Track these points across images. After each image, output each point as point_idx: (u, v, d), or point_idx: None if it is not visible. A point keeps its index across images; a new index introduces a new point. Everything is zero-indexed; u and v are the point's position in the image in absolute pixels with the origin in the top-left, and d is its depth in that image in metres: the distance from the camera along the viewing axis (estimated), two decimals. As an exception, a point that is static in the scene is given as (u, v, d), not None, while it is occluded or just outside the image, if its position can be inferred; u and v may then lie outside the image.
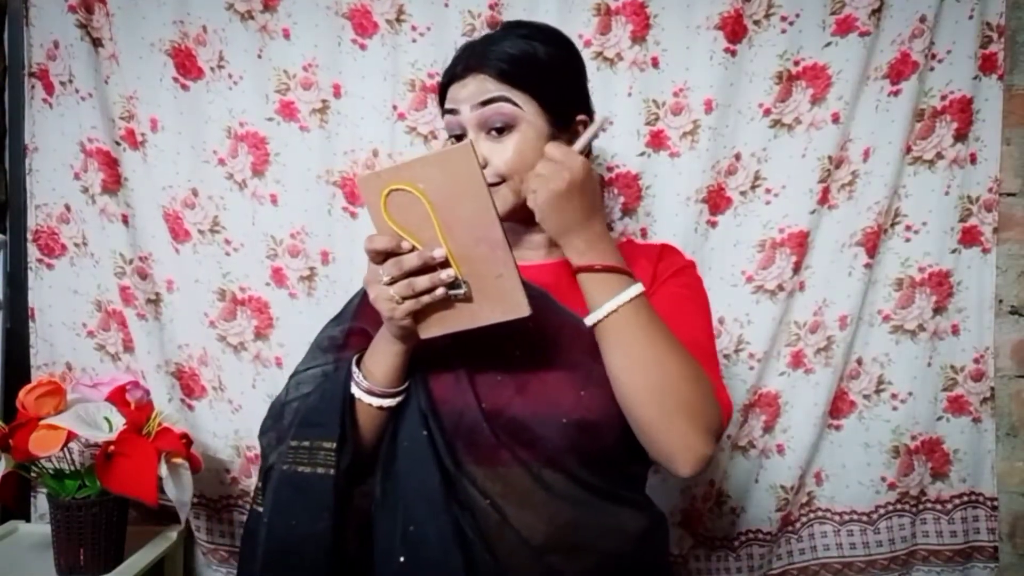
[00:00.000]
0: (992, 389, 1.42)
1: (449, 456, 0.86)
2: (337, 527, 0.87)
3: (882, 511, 1.45)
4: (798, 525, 1.47)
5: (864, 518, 1.45)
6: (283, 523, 0.88)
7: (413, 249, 0.77)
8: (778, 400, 1.43)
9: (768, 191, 1.39)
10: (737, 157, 1.38)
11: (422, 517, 0.85)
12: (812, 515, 1.47)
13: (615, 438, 0.85)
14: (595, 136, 0.89)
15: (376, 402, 0.88)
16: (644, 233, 1.39)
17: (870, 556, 1.45)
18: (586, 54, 1.35)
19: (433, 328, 0.82)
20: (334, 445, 0.87)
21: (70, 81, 1.42)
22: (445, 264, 0.77)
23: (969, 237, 1.41)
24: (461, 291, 0.78)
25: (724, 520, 1.46)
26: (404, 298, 0.78)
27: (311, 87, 1.40)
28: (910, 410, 1.43)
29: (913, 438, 1.43)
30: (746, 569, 1.45)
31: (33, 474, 1.29)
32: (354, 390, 0.89)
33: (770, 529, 1.44)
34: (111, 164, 1.43)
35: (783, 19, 1.35)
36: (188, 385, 1.48)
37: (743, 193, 1.39)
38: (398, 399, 0.89)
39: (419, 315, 0.81)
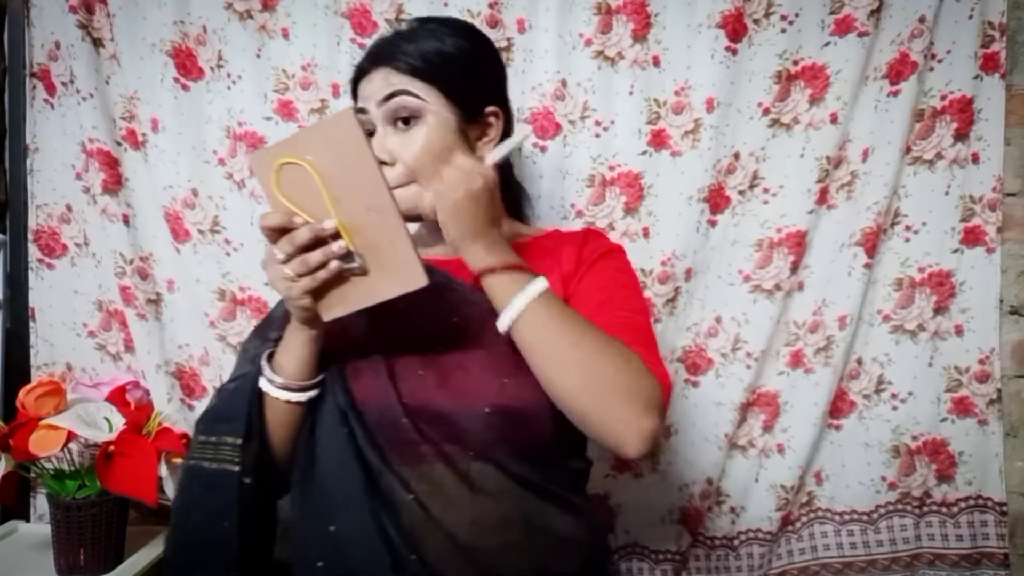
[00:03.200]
0: (999, 391, 1.41)
1: (372, 454, 0.84)
2: (244, 527, 0.85)
3: (882, 511, 1.44)
4: (798, 525, 1.46)
5: (864, 518, 1.44)
6: (190, 519, 0.87)
7: (306, 225, 0.76)
8: (777, 400, 1.43)
9: (766, 190, 1.39)
10: (736, 156, 1.38)
11: (345, 518, 0.83)
12: (812, 515, 1.46)
13: (545, 427, 0.84)
14: (514, 148, 0.87)
15: (285, 396, 0.86)
16: (646, 232, 1.39)
17: (870, 556, 1.44)
18: (587, 53, 1.35)
19: (335, 308, 0.80)
20: (239, 441, 0.85)
21: (71, 81, 1.43)
22: (338, 237, 0.76)
23: (972, 237, 1.40)
24: (355, 264, 0.77)
25: (724, 520, 1.45)
26: (299, 275, 0.77)
27: (310, 87, 1.40)
28: (910, 410, 1.42)
29: (914, 438, 1.43)
30: (746, 569, 1.45)
31: (33, 474, 1.29)
32: (262, 384, 0.87)
33: (770, 529, 1.44)
34: (112, 164, 1.43)
35: (783, 18, 1.35)
36: (189, 385, 1.48)
37: (741, 192, 1.39)
38: (310, 394, 0.87)
39: (319, 295, 0.79)
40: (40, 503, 1.51)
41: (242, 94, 1.41)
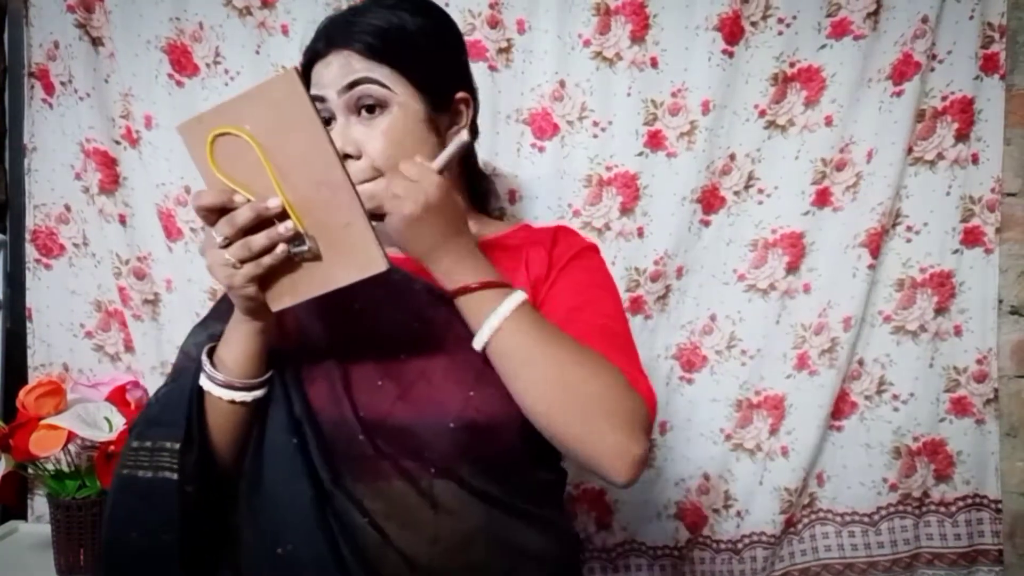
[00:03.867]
0: (996, 391, 1.41)
1: (324, 468, 0.77)
2: (185, 541, 0.76)
3: (883, 512, 1.44)
4: (800, 526, 1.46)
5: (865, 519, 1.45)
6: (121, 535, 0.78)
7: (248, 203, 0.68)
8: (783, 403, 1.43)
9: (761, 191, 1.39)
10: (731, 157, 1.38)
11: (294, 537, 0.76)
12: (813, 516, 1.46)
13: (512, 440, 0.78)
14: (456, 154, 0.80)
15: (228, 395, 0.77)
16: (640, 232, 1.39)
17: (871, 557, 1.45)
18: (585, 54, 1.35)
19: (285, 297, 0.72)
20: (177, 445, 0.76)
21: (70, 81, 1.43)
22: (285, 217, 0.68)
23: (971, 238, 1.40)
24: (305, 247, 0.68)
25: (730, 523, 1.45)
26: (242, 261, 0.68)
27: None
28: (911, 411, 1.42)
29: (915, 439, 1.43)
30: (749, 572, 1.45)
31: (31, 473, 1.29)
32: (203, 382, 0.78)
33: (774, 532, 1.44)
34: (108, 164, 1.43)
35: (780, 21, 1.35)
36: (186, 387, 1.47)
37: (736, 193, 1.39)
38: (255, 393, 0.79)
39: (266, 283, 0.71)
40: (38, 503, 1.51)
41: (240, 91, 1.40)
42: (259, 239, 0.68)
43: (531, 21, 1.36)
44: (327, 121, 0.81)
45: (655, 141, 1.38)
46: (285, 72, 0.65)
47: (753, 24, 1.35)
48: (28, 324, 1.52)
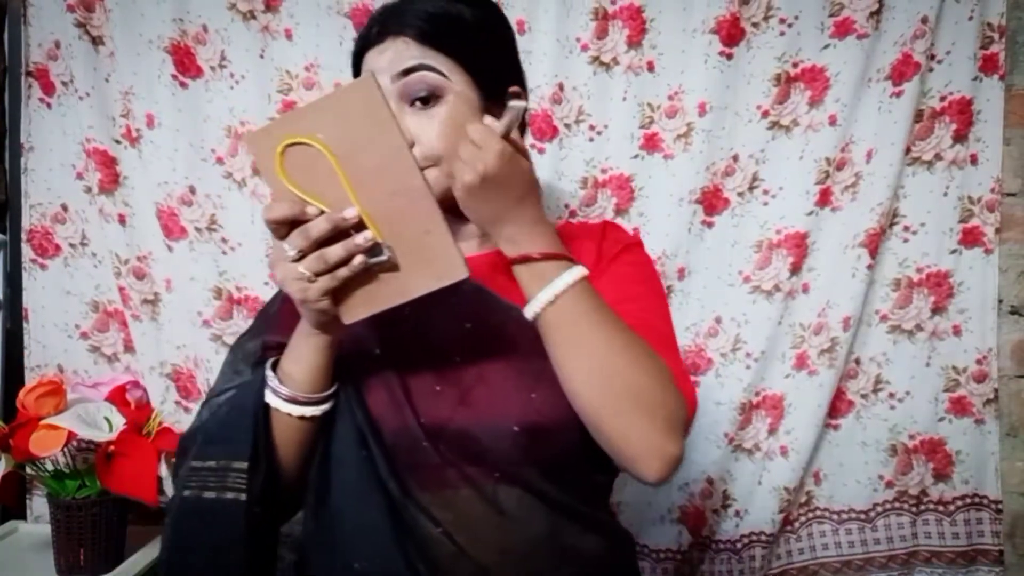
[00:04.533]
0: (995, 391, 1.42)
1: (392, 479, 0.75)
2: (251, 564, 0.75)
3: (880, 509, 1.45)
4: (797, 525, 1.47)
5: (862, 516, 1.45)
6: (185, 559, 0.76)
7: (322, 214, 0.65)
8: (783, 402, 1.43)
9: (766, 192, 1.39)
10: (735, 159, 1.38)
11: (368, 552, 0.74)
12: (811, 515, 1.47)
13: (574, 442, 0.75)
14: (516, 119, 0.73)
15: (297, 411, 0.75)
16: (636, 233, 1.39)
17: (868, 554, 1.45)
18: (583, 58, 1.36)
19: (358, 309, 0.69)
20: (245, 465, 0.73)
21: (71, 80, 1.42)
22: (360, 227, 0.65)
23: (970, 238, 1.40)
24: (384, 257, 0.66)
25: (729, 523, 1.46)
26: (317, 274, 0.66)
27: (313, 87, 1.40)
28: (908, 409, 1.43)
29: (911, 437, 1.43)
30: (748, 571, 1.45)
31: (30, 473, 1.29)
32: (269, 398, 0.75)
33: (772, 531, 1.44)
34: (108, 163, 1.43)
35: (782, 21, 1.35)
36: (185, 387, 1.47)
37: (740, 194, 1.40)
38: (323, 407, 0.76)
39: (338, 295, 0.68)
40: (37, 503, 1.51)
41: (245, 94, 1.40)
42: (335, 251, 0.65)
43: (531, 23, 1.36)
44: None
45: (651, 143, 1.38)
46: (363, 79, 0.64)
47: (754, 25, 1.35)
48: (25, 325, 1.51)
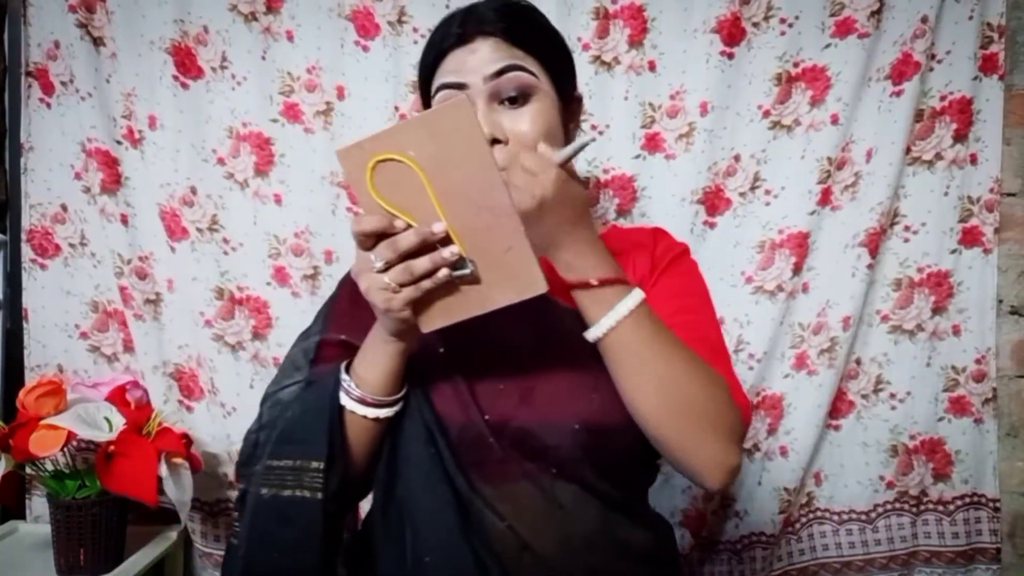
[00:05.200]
0: (994, 390, 1.42)
1: (460, 476, 0.78)
2: (326, 558, 0.78)
3: (880, 510, 1.45)
4: (798, 526, 1.47)
5: (863, 517, 1.45)
6: (263, 556, 0.78)
7: (408, 228, 0.68)
8: (782, 402, 1.43)
9: (767, 192, 1.39)
10: (736, 159, 1.38)
11: (438, 546, 0.77)
12: (811, 515, 1.47)
13: (630, 443, 0.78)
14: (579, 150, 0.75)
15: (371, 413, 0.77)
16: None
17: (868, 555, 1.45)
18: (584, 57, 1.36)
19: (437, 319, 0.72)
20: (322, 464, 0.76)
21: (71, 81, 1.43)
22: (446, 241, 0.68)
23: (970, 238, 1.41)
24: (467, 271, 0.69)
25: (729, 524, 1.46)
26: (402, 285, 0.68)
27: (315, 89, 1.40)
28: (908, 410, 1.43)
29: (912, 437, 1.43)
30: (748, 572, 1.45)
31: (29, 473, 1.29)
32: (344, 400, 0.78)
33: (772, 532, 1.44)
34: (110, 164, 1.43)
35: (782, 21, 1.35)
36: (188, 386, 1.47)
37: (742, 194, 1.40)
38: (394, 409, 0.79)
39: (418, 305, 0.71)
40: (36, 503, 1.51)
41: (247, 95, 1.40)
42: (422, 263, 0.67)
43: (531, 22, 1.36)
44: None
45: (653, 143, 1.38)
46: (457, 101, 0.65)
47: (755, 25, 1.36)
48: (24, 324, 1.51)
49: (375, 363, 0.77)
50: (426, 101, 0.85)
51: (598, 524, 0.80)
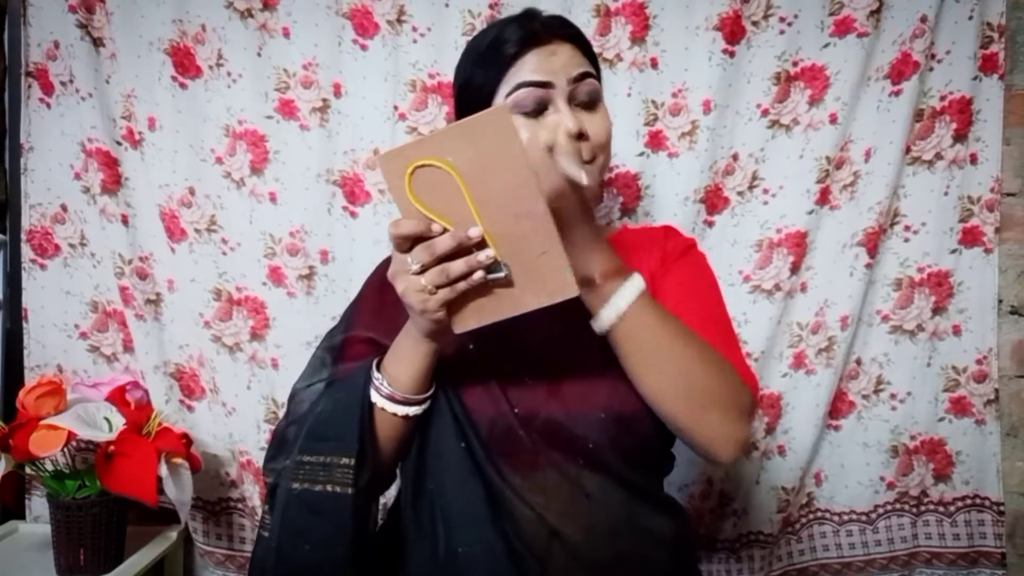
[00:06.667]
0: (996, 391, 1.42)
1: (491, 468, 0.81)
2: (356, 551, 0.80)
3: (881, 511, 1.45)
4: (798, 526, 1.46)
5: (863, 518, 1.45)
6: (295, 549, 0.81)
7: (445, 231, 0.70)
8: (780, 401, 1.43)
9: (766, 191, 1.39)
10: (735, 157, 1.38)
11: (470, 536, 0.79)
12: (811, 516, 1.46)
13: (652, 430, 0.82)
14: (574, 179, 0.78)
15: (401, 410, 0.80)
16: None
17: (869, 556, 1.45)
18: (585, 55, 1.35)
19: (470, 320, 0.74)
20: (352, 460, 0.78)
21: (71, 81, 1.43)
22: (481, 245, 0.70)
23: (970, 238, 1.40)
24: (502, 274, 0.71)
25: (726, 522, 1.46)
26: (437, 287, 0.70)
27: (311, 86, 1.40)
28: (909, 410, 1.43)
29: (912, 438, 1.43)
30: (747, 571, 1.45)
31: (29, 473, 1.29)
32: (375, 397, 0.80)
33: (771, 531, 1.44)
34: (111, 164, 1.43)
35: (782, 20, 1.35)
36: (188, 386, 1.47)
37: (740, 193, 1.40)
38: (423, 407, 0.82)
39: (452, 306, 0.73)
40: (35, 504, 1.51)
41: (242, 92, 1.41)
42: (458, 266, 0.69)
43: (532, 21, 1.36)
44: (541, 110, 0.82)
45: (656, 141, 1.38)
46: (497, 109, 0.67)
47: (754, 23, 1.35)
48: (24, 324, 1.51)
49: (407, 362, 0.79)
50: (470, 102, 0.86)
51: (622, 512, 0.83)
